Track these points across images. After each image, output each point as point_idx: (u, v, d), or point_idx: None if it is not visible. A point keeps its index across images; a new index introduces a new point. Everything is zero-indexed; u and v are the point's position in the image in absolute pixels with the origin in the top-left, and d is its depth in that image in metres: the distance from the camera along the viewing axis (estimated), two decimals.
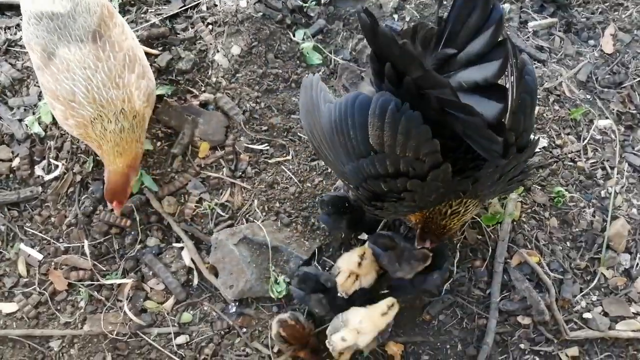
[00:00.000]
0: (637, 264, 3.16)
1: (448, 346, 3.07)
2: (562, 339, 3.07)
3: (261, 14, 3.67)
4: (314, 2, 3.79)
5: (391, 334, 3.00)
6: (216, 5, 3.69)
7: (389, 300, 2.90)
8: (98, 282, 3.21)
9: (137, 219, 3.28)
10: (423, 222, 2.63)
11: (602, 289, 3.16)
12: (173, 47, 3.58)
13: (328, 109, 2.41)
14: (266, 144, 3.43)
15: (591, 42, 3.70)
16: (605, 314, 3.10)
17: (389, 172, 2.24)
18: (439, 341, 3.08)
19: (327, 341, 2.88)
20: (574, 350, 3.06)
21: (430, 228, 2.62)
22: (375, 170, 2.28)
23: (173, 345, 3.13)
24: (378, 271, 3.02)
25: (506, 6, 3.74)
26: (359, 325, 2.83)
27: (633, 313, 3.09)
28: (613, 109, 3.49)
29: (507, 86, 2.16)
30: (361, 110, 2.22)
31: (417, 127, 2.07)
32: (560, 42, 3.68)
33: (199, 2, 3.70)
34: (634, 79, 3.54)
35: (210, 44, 3.58)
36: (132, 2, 3.70)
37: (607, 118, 3.46)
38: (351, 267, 2.94)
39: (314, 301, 2.93)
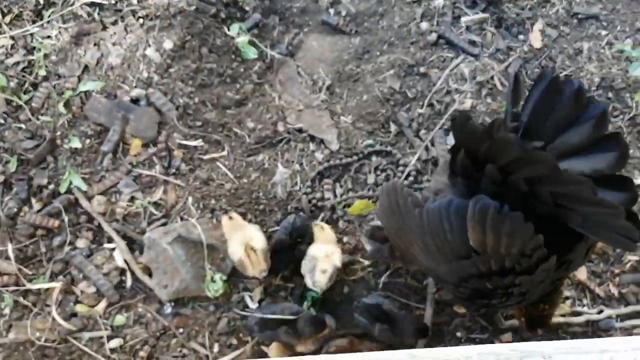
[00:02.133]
0: None
1: None
2: (497, 327, 3.13)
3: (194, 7, 3.60)
4: None
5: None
6: None
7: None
8: (24, 287, 3.07)
9: (66, 219, 3.16)
10: (527, 313, 2.63)
11: None
12: (102, 42, 3.47)
13: (419, 213, 2.30)
14: (200, 140, 3.37)
15: (521, 37, 3.79)
16: None
17: (493, 269, 2.16)
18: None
19: (310, 283, 2.92)
20: (507, 337, 3.13)
21: (533, 316, 2.63)
22: (478, 270, 2.20)
23: (106, 350, 3.02)
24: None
25: (440, 1, 3.79)
26: (325, 251, 2.92)
27: (563, 297, 3.19)
28: None
29: None
30: (458, 215, 2.11)
31: (521, 227, 1.99)
32: (492, 37, 3.76)
33: None
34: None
35: (142, 38, 3.49)
36: None
37: None
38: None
39: (389, 250, 2.89)
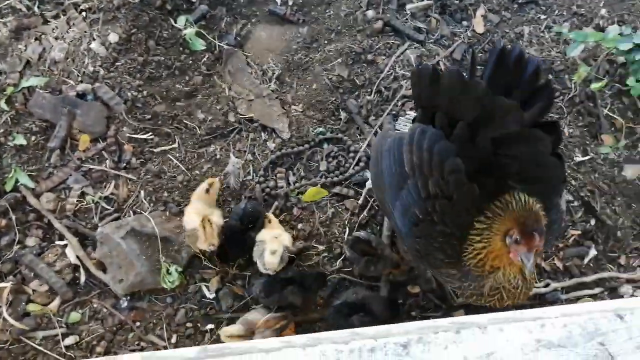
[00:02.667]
0: None
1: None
2: (450, 305, 3.22)
3: (138, 0, 3.55)
4: None
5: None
6: None
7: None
8: None
9: (13, 218, 3.10)
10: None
11: None
12: (44, 36, 3.39)
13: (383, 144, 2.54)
14: (150, 133, 3.35)
15: (464, 23, 3.89)
16: None
17: (422, 196, 2.26)
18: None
19: (262, 267, 2.95)
20: (460, 313, 3.22)
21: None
22: (412, 198, 2.30)
23: (61, 347, 2.98)
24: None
25: None
26: (273, 233, 2.98)
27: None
28: None
29: None
30: (400, 143, 2.36)
31: (441, 144, 2.19)
32: (437, 23, 3.84)
33: None
34: None
35: (85, 31, 3.44)
36: None
37: None
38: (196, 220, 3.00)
39: (364, 263, 2.99)
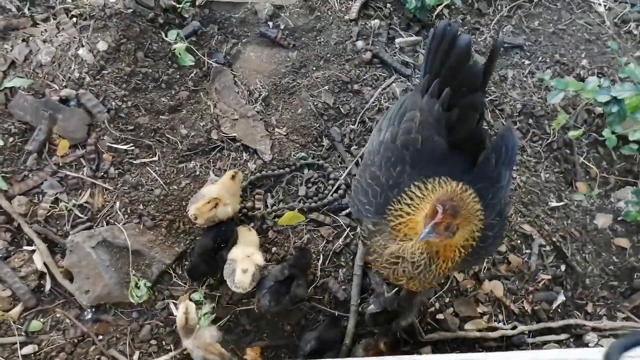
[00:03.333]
0: (485, 267, 3.40)
1: (308, 347, 3.11)
2: (418, 340, 3.22)
3: (131, 10, 3.56)
4: (188, 3, 3.74)
5: (253, 339, 3.03)
6: None
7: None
8: None
9: None
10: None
11: (454, 291, 3.37)
12: (31, 38, 3.37)
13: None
14: (131, 144, 3.32)
15: None
16: (456, 314, 3.30)
17: (379, 139, 2.52)
18: (300, 343, 3.11)
19: (233, 286, 2.91)
20: (427, 350, 3.22)
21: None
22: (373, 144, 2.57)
23: (18, 357, 2.90)
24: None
25: (376, 22, 3.92)
26: (245, 251, 2.99)
27: (480, 313, 3.32)
28: None
29: None
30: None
31: (410, 98, 2.56)
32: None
33: None
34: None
35: (74, 37, 3.41)
36: None
37: None
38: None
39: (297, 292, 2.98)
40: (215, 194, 3.03)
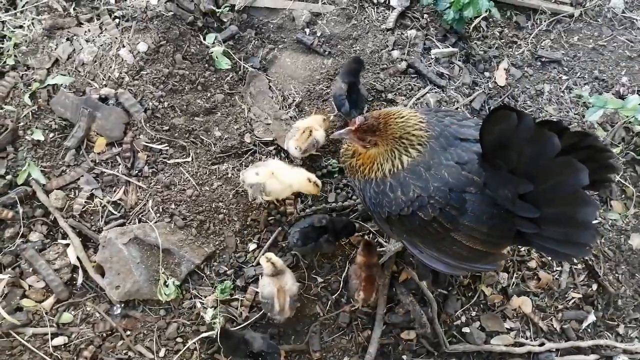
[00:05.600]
0: (514, 283, 3.36)
1: (330, 355, 3.12)
2: (442, 351, 3.19)
3: (172, 13, 3.63)
4: (227, 8, 3.80)
5: (279, 342, 3.03)
6: (125, 0, 3.61)
7: None
8: None
9: (20, 211, 3.11)
10: None
11: (481, 305, 3.33)
12: (75, 37, 3.46)
13: None
14: (166, 144, 3.37)
15: (487, 73, 3.94)
16: (482, 329, 3.27)
17: None
18: (324, 350, 3.12)
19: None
20: None
21: None
22: None
23: (49, 347, 2.96)
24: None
25: (412, 32, 3.92)
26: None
27: (507, 328, 3.28)
28: None
29: None
30: None
31: None
32: (459, 70, 3.89)
33: None
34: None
35: (116, 38, 3.49)
36: None
37: None
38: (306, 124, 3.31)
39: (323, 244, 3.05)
40: (308, 124, 3.28)
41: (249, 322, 3.07)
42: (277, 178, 3.08)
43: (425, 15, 4.02)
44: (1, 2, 3.57)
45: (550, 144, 1.94)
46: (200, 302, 3.08)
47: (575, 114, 3.83)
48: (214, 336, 2.96)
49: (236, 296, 3.13)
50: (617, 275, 3.43)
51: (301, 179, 3.14)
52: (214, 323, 2.99)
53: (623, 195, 3.64)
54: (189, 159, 3.37)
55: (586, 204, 2.00)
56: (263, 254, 3.08)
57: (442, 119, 2.50)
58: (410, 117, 2.42)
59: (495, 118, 2.10)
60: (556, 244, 2.16)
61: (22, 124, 3.30)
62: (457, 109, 3.71)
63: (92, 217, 3.19)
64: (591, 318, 3.31)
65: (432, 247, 2.52)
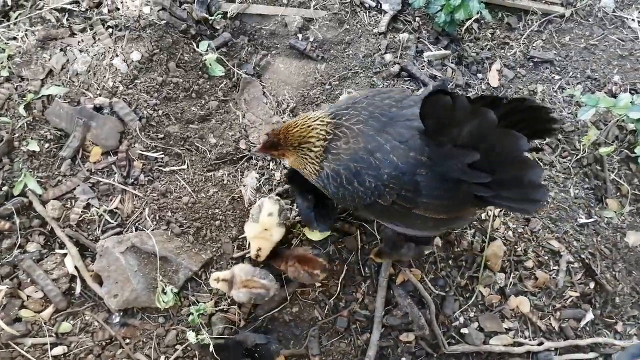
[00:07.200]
0: (511, 283, 3.37)
1: (330, 359, 3.12)
2: (441, 353, 3.19)
3: (165, 22, 3.64)
4: (219, 15, 3.82)
5: (279, 347, 3.04)
6: (118, 9, 3.63)
7: None
8: None
9: (17, 222, 3.12)
10: None
11: (479, 306, 3.34)
12: (69, 48, 3.47)
13: None
14: (161, 152, 3.38)
15: (479, 75, 3.96)
16: (481, 329, 3.27)
17: None
18: (323, 354, 3.12)
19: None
20: None
21: None
22: None
23: (49, 357, 2.97)
24: None
25: (404, 35, 3.94)
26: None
27: (505, 329, 3.29)
28: None
29: None
30: None
31: None
32: (452, 72, 3.91)
33: (99, 3, 3.63)
34: None
35: (109, 47, 3.50)
36: None
37: None
38: None
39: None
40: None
41: (247, 326, 3.08)
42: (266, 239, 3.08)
43: (417, 19, 4.04)
44: None
45: (487, 119, 2.09)
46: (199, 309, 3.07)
47: (568, 113, 3.85)
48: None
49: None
50: (614, 273, 3.44)
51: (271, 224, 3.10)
52: (202, 341, 2.99)
53: (618, 193, 3.66)
54: (185, 167, 3.38)
55: (531, 167, 2.18)
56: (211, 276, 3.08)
57: (372, 101, 2.61)
58: (306, 122, 2.66)
59: (431, 103, 2.23)
60: (513, 202, 2.30)
61: (17, 135, 3.30)
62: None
63: (89, 227, 3.20)
64: (589, 316, 3.32)
65: (400, 223, 2.73)
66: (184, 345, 3.02)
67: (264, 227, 3.03)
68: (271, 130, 2.76)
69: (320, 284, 3.19)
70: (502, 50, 4.07)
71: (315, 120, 2.65)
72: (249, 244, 3.13)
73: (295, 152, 2.70)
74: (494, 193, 2.28)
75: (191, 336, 2.97)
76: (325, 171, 2.61)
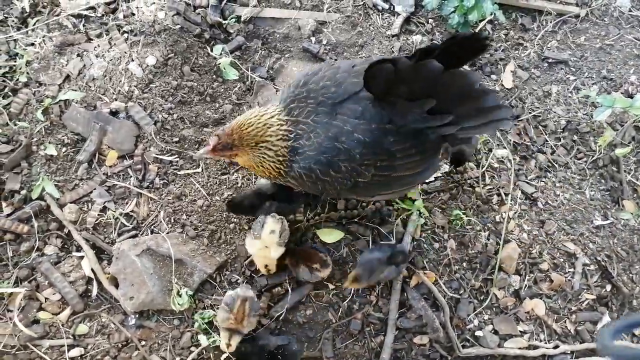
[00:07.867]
0: (526, 285, 3.35)
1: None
2: (456, 356, 3.19)
3: (179, 26, 3.68)
4: (233, 19, 3.84)
5: (300, 347, 3.06)
6: (133, 14, 3.67)
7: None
8: None
9: (35, 225, 3.17)
10: None
11: (494, 309, 3.33)
12: (85, 53, 3.52)
13: None
14: (176, 156, 3.41)
15: (493, 76, 3.94)
16: (496, 332, 3.26)
17: None
18: (337, 357, 3.13)
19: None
20: None
21: None
22: None
23: (66, 358, 3.01)
24: None
25: (418, 37, 3.93)
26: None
27: (520, 331, 3.27)
28: (510, 140, 3.72)
29: None
30: None
31: None
32: None
33: (115, 8, 3.68)
34: (530, 113, 3.80)
35: (125, 52, 3.54)
36: (45, 4, 3.62)
37: (504, 148, 3.68)
38: None
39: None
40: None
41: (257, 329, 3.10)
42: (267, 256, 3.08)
43: (430, 20, 4.03)
44: (13, 21, 3.64)
45: (432, 68, 2.15)
46: (213, 312, 3.09)
47: (584, 114, 3.82)
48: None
49: None
50: (631, 275, 3.41)
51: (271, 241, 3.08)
52: (214, 343, 3.02)
53: (635, 195, 3.63)
54: (199, 170, 3.41)
55: (486, 93, 2.29)
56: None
57: (310, 87, 2.61)
58: (260, 119, 2.60)
59: (372, 74, 2.32)
60: (480, 128, 2.38)
61: (35, 139, 3.36)
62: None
63: (105, 230, 3.24)
64: (606, 319, 3.29)
65: (387, 188, 2.80)
66: (199, 348, 3.04)
67: (264, 244, 3.03)
68: (221, 131, 2.63)
69: (334, 286, 3.20)
70: (516, 51, 4.05)
71: (270, 117, 2.62)
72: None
73: (252, 151, 2.65)
74: (459, 127, 2.35)
75: (203, 339, 2.99)
76: (296, 171, 2.62)
